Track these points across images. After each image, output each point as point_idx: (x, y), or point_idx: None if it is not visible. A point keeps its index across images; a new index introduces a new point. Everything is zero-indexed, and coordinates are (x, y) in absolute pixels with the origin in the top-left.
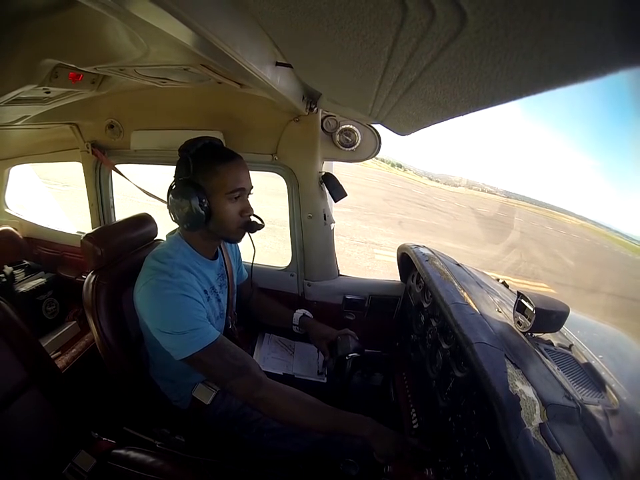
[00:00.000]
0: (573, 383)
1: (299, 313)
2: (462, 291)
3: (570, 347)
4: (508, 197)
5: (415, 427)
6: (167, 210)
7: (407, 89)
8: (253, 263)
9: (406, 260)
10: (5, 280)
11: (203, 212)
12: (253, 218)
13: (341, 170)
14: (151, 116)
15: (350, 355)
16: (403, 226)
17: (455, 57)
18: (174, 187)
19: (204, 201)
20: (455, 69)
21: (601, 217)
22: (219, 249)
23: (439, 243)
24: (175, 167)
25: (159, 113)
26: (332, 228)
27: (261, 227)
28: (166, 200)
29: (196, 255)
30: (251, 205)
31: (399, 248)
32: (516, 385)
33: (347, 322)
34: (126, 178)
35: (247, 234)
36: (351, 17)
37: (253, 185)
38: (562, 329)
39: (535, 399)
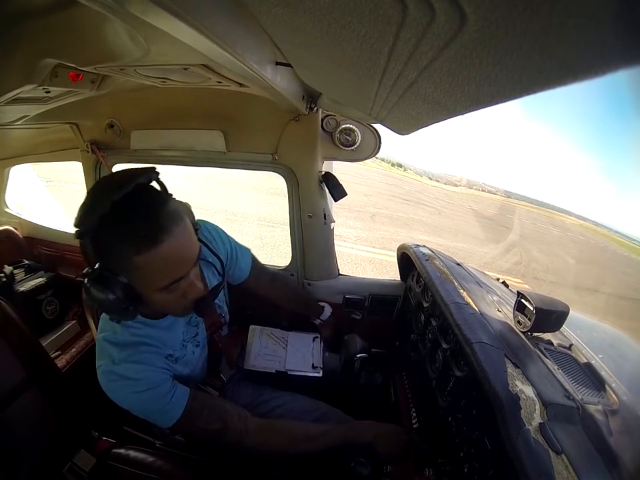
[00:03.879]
0: (573, 383)
1: (329, 310)
2: (462, 291)
3: (570, 347)
4: (508, 197)
5: (415, 426)
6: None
7: (406, 88)
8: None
9: (406, 259)
10: (5, 280)
11: (129, 306)
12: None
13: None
14: (150, 116)
15: (358, 355)
16: (374, 219)
17: (454, 56)
18: (85, 281)
19: (123, 297)
20: (454, 68)
21: (599, 215)
22: None
23: (409, 236)
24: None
25: (158, 113)
26: (332, 227)
27: (211, 299)
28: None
29: (147, 322)
30: (194, 280)
31: (398, 247)
32: (516, 385)
33: (353, 321)
34: None
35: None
36: (351, 16)
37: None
38: (562, 329)
39: (535, 399)
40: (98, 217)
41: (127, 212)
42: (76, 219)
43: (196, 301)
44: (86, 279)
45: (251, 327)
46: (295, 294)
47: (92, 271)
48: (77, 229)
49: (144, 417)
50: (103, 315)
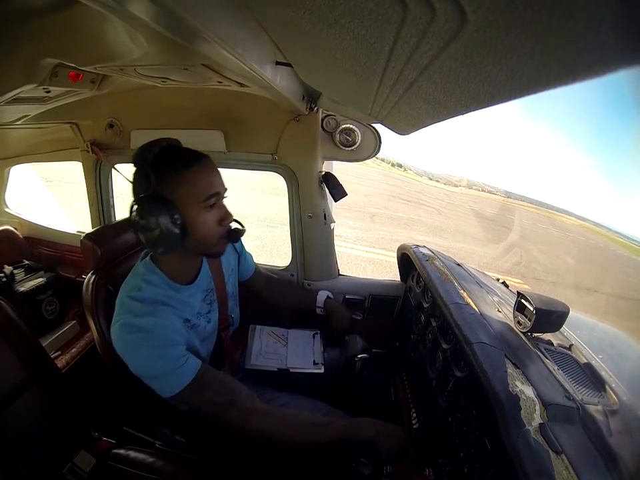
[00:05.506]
0: (573, 383)
1: (323, 294)
2: (462, 291)
3: (570, 347)
4: (508, 197)
5: (415, 426)
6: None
7: (407, 88)
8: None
9: (406, 260)
10: (5, 280)
11: (177, 230)
12: (233, 224)
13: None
14: (151, 116)
15: (359, 355)
16: (374, 219)
17: (455, 56)
18: (136, 205)
19: (176, 216)
20: (455, 68)
21: (599, 215)
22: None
23: (409, 236)
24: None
25: (159, 113)
26: (332, 228)
27: (242, 233)
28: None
29: (171, 284)
30: (227, 207)
31: (398, 248)
32: (516, 385)
33: (354, 321)
34: (125, 177)
35: None
36: (351, 16)
37: (226, 186)
38: (562, 329)
39: (535, 399)
40: (152, 154)
41: (175, 149)
42: (135, 155)
43: (228, 231)
44: (135, 207)
45: (251, 325)
46: (289, 287)
47: (145, 195)
48: (135, 162)
49: (153, 380)
50: (127, 279)
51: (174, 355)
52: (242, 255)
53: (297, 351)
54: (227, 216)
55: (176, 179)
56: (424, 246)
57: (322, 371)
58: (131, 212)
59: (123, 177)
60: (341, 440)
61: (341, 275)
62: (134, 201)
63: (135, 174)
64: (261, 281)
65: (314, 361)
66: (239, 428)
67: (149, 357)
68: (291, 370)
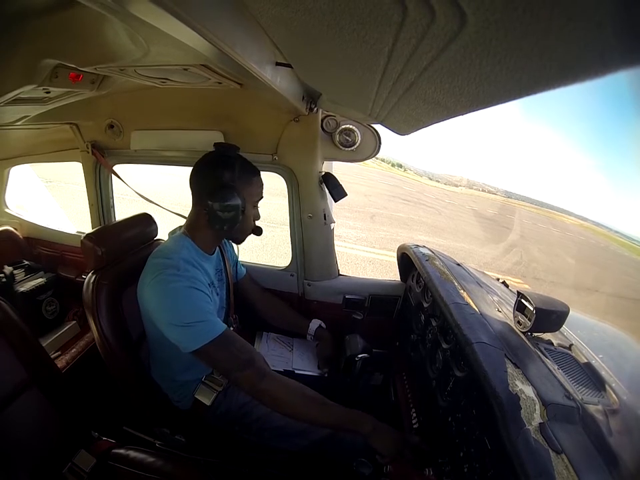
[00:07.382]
0: (573, 383)
1: (315, 323)
2: (462, 291)
3: (570, 347)
4: (508, 197)
5: (415, 426)
6: (204, 210)
7: (406, 88)
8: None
9: (406, 260)
10: (4, 280)
11: (240, 216)
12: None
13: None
14: (151, 116)
15: (360, 355)
16: (374, 219)
17: (454, 57)
18: (217, 189)
19: (244, 207)
20: (454, 69)
21: (599, 215)
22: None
23: (409, 236)
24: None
25: (159, 113)
26: (332, 228)
27: (262, 231)
28: (207, 202)
29: (199, 251)
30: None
31: (398, 248)
32: (516, 385)
33: (354, 321)
34: (123, 181)
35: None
36: (351, 17)
37: None
38: (562, 329)
39: (535, 399)
40: (234, 153)
41: (244, 158)
42: (226, 150)
43: (254, 227)
44: (210, 202)
45: (258, 332)
46: (287, 310)
47: (225, 183)
48: (225, 155)
49: (185, 328)
50: (158, 249)
51: (208, 309)
52: (236, 258)
53: (302, 356)
54: (258, 216)
55: (247, 179)
56: (424, 246)
57: (326, 375)
58: (211, 193)
59: (121, 180)
60: (339, 426)
61: (341, 274)
62: (214, 184)
63: (219, 163)
64: (255, 291)
65: (318, 365)
66: (251, 386)
67: (191, 303)
68: (296, 372)
